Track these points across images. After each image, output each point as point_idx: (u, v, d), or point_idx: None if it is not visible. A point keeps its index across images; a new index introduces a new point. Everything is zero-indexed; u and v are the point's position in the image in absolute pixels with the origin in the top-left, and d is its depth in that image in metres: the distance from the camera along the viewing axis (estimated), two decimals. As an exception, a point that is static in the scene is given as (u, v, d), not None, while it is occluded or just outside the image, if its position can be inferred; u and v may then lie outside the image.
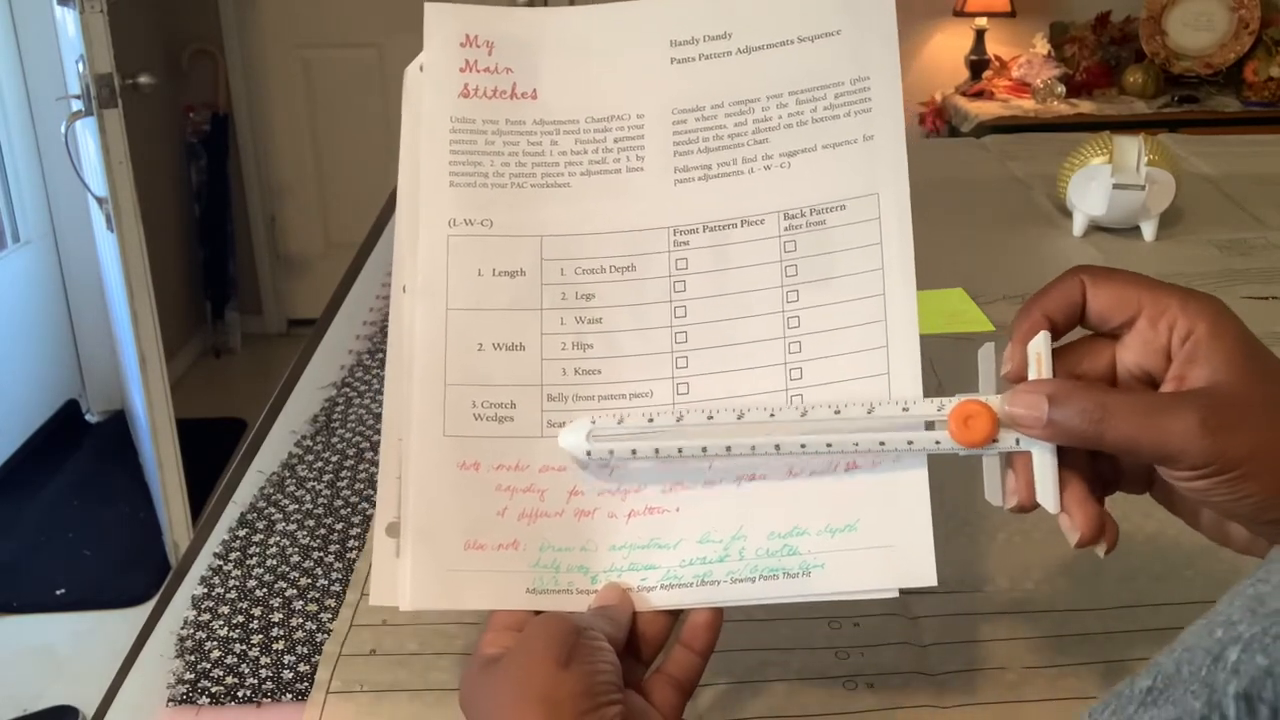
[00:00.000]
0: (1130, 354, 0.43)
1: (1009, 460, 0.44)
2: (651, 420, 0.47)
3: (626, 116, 0.52)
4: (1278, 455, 0.38)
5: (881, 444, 0.45)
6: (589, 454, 0.47)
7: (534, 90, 0.52)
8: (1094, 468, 0.44)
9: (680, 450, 0.46)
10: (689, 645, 0.47)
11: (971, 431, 0.43)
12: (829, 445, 0.45)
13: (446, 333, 0.49)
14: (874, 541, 0.46)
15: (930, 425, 0.44)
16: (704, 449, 0.46)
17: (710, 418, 0.47)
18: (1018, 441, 0.43)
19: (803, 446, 0.45)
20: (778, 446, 0.45)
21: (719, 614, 0.47)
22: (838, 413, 0.45)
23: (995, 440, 0.43)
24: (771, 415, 0.46)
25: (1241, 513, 0.40)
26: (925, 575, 0.46)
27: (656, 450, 0.47)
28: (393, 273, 0.51)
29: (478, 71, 0.52)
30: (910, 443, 0.44)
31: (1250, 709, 0.28)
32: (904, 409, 0.45)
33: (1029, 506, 0.43)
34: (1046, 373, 0.43)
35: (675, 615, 0.48)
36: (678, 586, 0.47)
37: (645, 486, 0.48)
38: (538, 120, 0.52)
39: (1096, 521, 0.42)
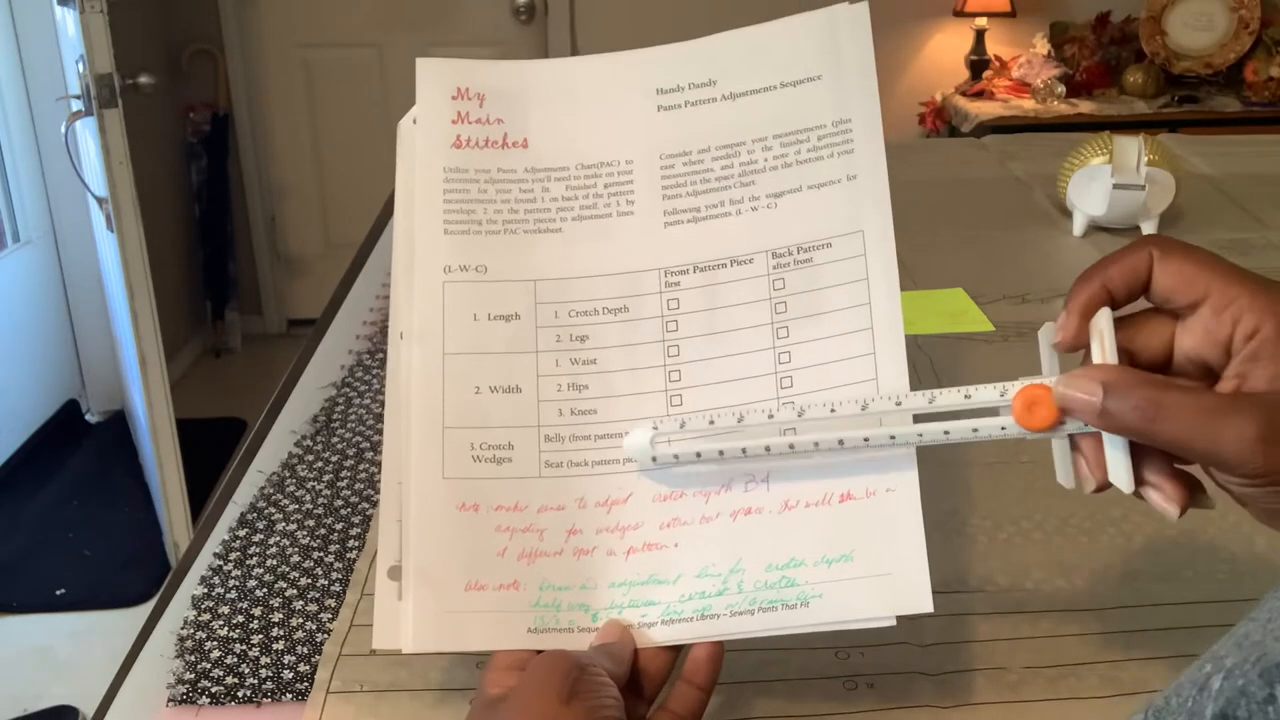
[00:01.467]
0: (1190, 339, 0.41)
1: (1078, 441, 0.43)
2: (712, 423, 0.47)
3: (615, 162, 0.53)
4: None
5: (920, 435, 0.45)
6: (654, 460, 0.48)
7: (525, 139, 0.53)
8: None
9: (744, 451, 0.47)
10: (691, 680, 0.47)
11: (1036, 417, 0.42)
12: (892, 437, 0.45)
13: (444, 377, 0.50)
14: (870, 570, 0.47)
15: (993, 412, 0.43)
16: (767, 448, 0.46)
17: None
18: (1085, 424, 0.41)
19: (865, 440, 0.45)
20: (841, 441, 0.45)
21: (720, 648, 0.47)
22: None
23: (1063, 423, 0.42)
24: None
25: None
26: (921, 603, 0.46)
27: (720, 452, 0.47)
28: (389, 320, 0.52)
29: (469, 123, 0.53)
30: (975, 430, 0.43)
31: None
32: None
33: (1103, 487, 0.42)
34: (1110, 355, 0.41)
35: (677, 651, 0.48)
36: (678, 621, 0.48)
37: (643, 524, 0.49)
38: (529, 168, 0.52)
39: (1187, 489, 0.41)
